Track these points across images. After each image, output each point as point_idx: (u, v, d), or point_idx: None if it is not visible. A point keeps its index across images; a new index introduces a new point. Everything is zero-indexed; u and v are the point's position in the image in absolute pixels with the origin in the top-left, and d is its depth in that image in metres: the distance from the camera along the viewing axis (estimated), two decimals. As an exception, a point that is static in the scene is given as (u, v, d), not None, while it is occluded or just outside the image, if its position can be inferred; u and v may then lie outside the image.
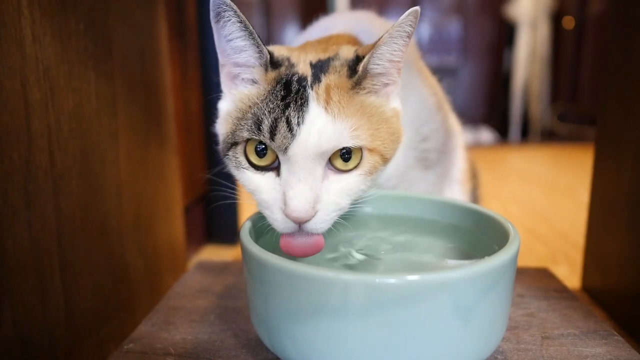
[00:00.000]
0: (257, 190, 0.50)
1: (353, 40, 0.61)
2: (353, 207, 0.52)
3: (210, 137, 0.53)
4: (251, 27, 0.48)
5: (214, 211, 1.28)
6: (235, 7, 0.47)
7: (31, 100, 0.53)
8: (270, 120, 0.47)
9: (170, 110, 0.94)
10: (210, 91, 0.53)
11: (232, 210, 1.31)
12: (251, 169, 0.50)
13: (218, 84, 0.55)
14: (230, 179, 0.55)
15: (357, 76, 0.50)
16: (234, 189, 0.56)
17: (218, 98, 0.55)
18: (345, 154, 0.48)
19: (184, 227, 1.02)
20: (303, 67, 0.50)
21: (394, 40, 0.49)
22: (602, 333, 0.54)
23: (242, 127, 0.49)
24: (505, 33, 3.80)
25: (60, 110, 0.58)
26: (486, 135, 3.71)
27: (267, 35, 3.54)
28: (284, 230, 0.49)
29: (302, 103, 0.47)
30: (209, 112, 0.58)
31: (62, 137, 0.58)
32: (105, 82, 0.68)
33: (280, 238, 0.50)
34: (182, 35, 1.11)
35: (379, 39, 0.49)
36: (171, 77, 0.96)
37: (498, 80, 3.90)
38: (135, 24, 0.78)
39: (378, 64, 0.50)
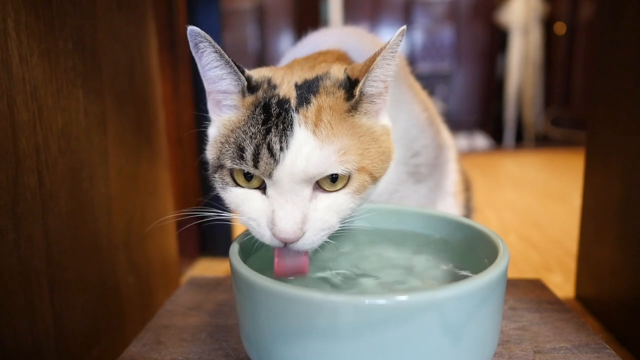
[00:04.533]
0: (243, 203, 0.50)
1: (342, 57, 0.61)
2: (344, 226, 0.52)
3: (202, 147, 0.53)
4: (227, 56, 0.49)
5: (207, 224, 1.28)
6: (209, 38, 0.48)
7: (19, 121, 0.53)
8: (252, 147, 0.47)
9: (161, 124, 0.94)
10: (202, 103, 0.53)
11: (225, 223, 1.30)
12: (238, 186, 0.50)
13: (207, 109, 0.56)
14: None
15: (354, 100, 0.50)
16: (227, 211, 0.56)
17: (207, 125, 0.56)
18: (333, 174, 0.48)
19: (176, 242, 1.02)
20: (286, 89, 0.50)
21: (387, 62, 0.49)
22: (594, 346, 0.54)
23: (225, 153, 0.49)
24: (498, 39, 3.83)
25: (48, 130, 0.58)
26: (481, 141, 3.72)
27: (261, 44, 3.55)
28: (270, 244, 0.49)
29: (284, 127, 0.47)
30: (201, 124, 0.58)
31: (50, 156, 0.58)
32: (94, 99, 0.68)
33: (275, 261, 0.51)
34: (173, 48, 1.12)
35: (371, 61, 0.49)
36: (162, 91, 0.96)
37: (491, 85, 3.92)
38: (124, 41, 0.78)
39: (372, 86, 0.51)
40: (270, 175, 0.46)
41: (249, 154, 0.47)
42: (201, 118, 0.57)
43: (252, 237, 0.52)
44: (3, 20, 0.50)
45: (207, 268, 1.25)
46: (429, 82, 0.78)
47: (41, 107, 0.57)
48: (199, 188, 1.26)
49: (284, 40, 3.53)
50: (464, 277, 0.46)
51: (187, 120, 1.19)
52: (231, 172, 0.50)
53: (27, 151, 0.54)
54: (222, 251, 1.30)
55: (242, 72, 0.51)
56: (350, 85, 0.50)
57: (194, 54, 0.50)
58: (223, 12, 1.33)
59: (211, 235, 1.31)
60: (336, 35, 0.71)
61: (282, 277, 0.51)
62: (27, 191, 0.54)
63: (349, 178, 0.49)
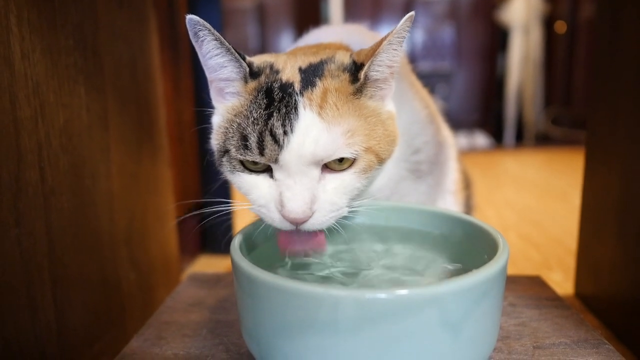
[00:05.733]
0: (252, 190, 0.50)
1: (345, 49, 0.62)
2: (349, 214, 0.52)
3: (203, 144, 0.54)
4: (227, 44, 0.49)
5: (207, 221, 1.28)
6: (209, 25, 0.48)
7: (21, 117, 0.53)
8: (255, 135, 0.47)
9: (162, 121, 0.94)
10: (202, 101, 0.54)
11: (226, 219, 1.30)
12: (246, 171, 0.50)
13: (209, 98, 0.56)
14: (224, 194, 0.55)
15: (359, 83, 0.50)
16: (228, 202, 0.56)
17: (210, 113, 0.56)
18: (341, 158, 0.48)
19: (177, 239, 1.02)
20: (289, 73, 0.50)
21: (393, 47, 0.50)
22: (593, 342, 0.55)
23: (230, 139, 0.49)
24: (498, 38, 3.82)
25: (50, 126, 0.58)
26: (481, 140, 3.72)
27: (261, 42, 3.55)
28: (281, 228, 0.50)
29: (287, 111, 0.47)
30: (202, 122, 0.59)
31: (52, 153, 0.58)
32: (96, 96, 0.68)
33: (279, 236, 0.51)
34: (174, 46, 1.12)
35: (378, 45, 0.49)
36: (163, 89, 0.96)
37: (492, 84, 3.91)
38: (126, 38, 0.78)
39: (378, 70, 0.51)
40: (276, 160, 0.47)
41: (253, 142, 0.47)
42: (202, 114, 0.57)
43: (254, 232, 0.52)
44: (5, 16, 0.50)
45: (207, 265, 1.25)
46: (430, 81, 0.78)
47: (43, 104, 0.57)
48: (200, 185, 1.26)
49: (285, 39, 3.53)
50: (464, 272, 0.47)
51: (188, 117, 1.19)
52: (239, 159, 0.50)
53: (29, 147, 0.54)
54: (222, 248, 1.30)
55: (244, 59, 0.51)
56: (355, 69, 0.51)
57: (194, 43, 0.50)
58: (224, 10, 1.34)
59: (211, 232, 1.31)
60: (338, 31, 0.71)
61: (292, 253, 0.51)
62: (29, 187, 0.54)
63: (355, 157, 0.49)
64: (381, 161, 0.52)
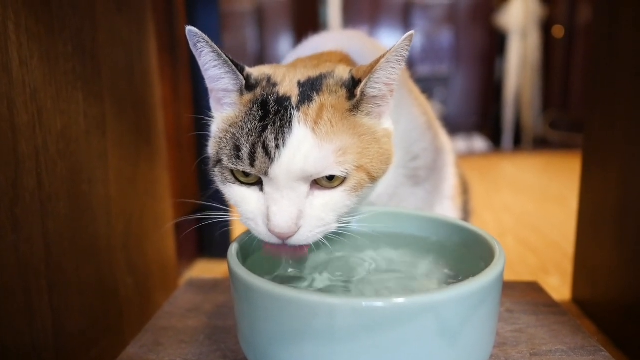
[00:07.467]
0: (241, 202, 0.51)
1: (345, 59, 0.62)
2: (341, 227, 0.52)
3: (201, 148, 0.54)
4: (225, 56, 0.49)
5: (205, 225, 1.28)
6: (207, 38, 0.48)
7: (18, 124, 0.53)
8: (248, 146, 0.47)
9: (160, 126, 0.94)
10: (201, 105, 0.54)
11: (224, 224, 1.30)
12: (237, 183, 0.51)
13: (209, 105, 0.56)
14: (221, 199, 0.55)
15: (355, 100, 0.50)
16: (227, 209, 0.56)
17: (209, 121, 0.56)
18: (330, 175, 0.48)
19: (174, 243, 1.02)
20: (287, 86, 0.51)
21: (391, 65, 0.49)
22: (590, 349, 0.55)
23: (223, 149, 0.50)
24: (497, 42, 3.83)
25: (48, 132, 0.58)
26: (479, 143, 3.73)
27: (260, 45, 3.55)
28: (268, 241, 0.50)
29: (282, 125, 0.47)
30: (201, 127, 0.59)
31: (50, 158, 0.58)
32: (94, 102, 0.68)
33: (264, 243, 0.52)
34: (173, 50, 1.12)
35: (376, 63, 0.49)
36: (161, 93, 0.96)
37: (490, 88, 3.92)
38: (124, 42, 0.78)
39: (375, 87, 0.51)
40: (266, 173, 0.47)
41: (245, 153, 0.47)
42: (200, 119, 0.58)
43: (251, 239, 0.53)
44: (3, 23, 0.51)
45: (205, 269, 1.25)
46: (428, 85, 0.78)
47: (41, 110, 0.57)
48: (198, 189, 1.26)
49: (283, 42, 3.53)
50: (461, 279, 0.47)
51: (187, 122, 1.19)
52: (230, 168, 0.50)
53: (26, 153, 0.54)
54: (220, 252, 1.30)
55: (241, 71, 0.51)
56: (353, 85, 0.51)
57: (194, 52, 0.51)
58: (222, 13, 1.34)
59: (209, 237, 1.31)
60: (338, 38, 0.71)
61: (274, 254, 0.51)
62: (26, 193, 0.54)
63: (346, 176, 0.49)
64: (373, 180, 0.52)
